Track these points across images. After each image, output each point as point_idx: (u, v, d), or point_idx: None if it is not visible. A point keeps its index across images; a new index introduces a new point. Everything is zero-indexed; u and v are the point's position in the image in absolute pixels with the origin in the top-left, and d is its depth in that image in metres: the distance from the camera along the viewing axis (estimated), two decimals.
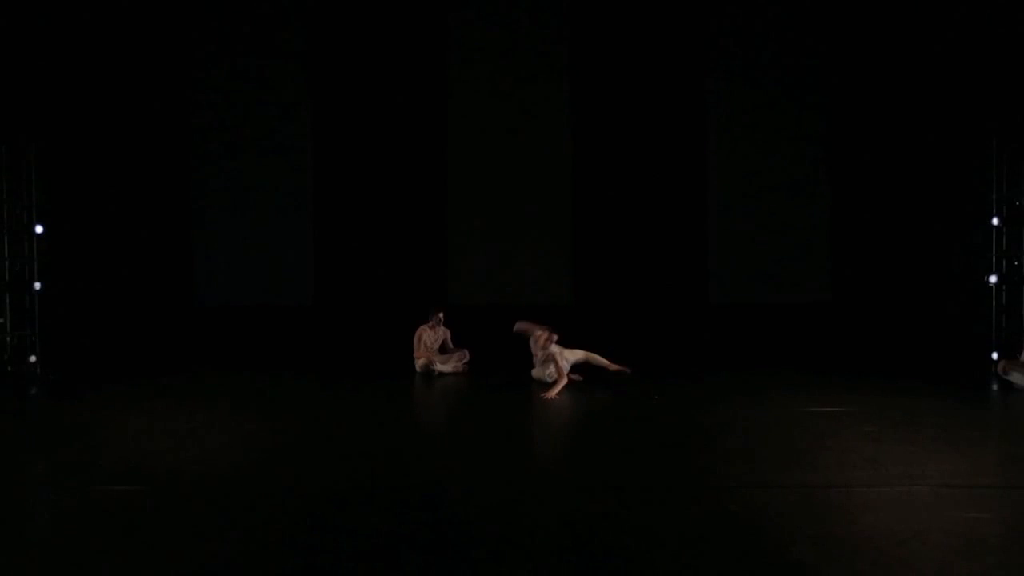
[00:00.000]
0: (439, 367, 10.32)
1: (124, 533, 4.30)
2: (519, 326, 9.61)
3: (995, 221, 10.21)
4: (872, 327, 11.97)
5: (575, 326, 12.33)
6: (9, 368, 9.80)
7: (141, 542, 4.17)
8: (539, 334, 9.43)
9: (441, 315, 10.61)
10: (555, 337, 9.36)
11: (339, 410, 8.20)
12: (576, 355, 9.40)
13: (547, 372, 9.20)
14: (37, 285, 10.09)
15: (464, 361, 10.42)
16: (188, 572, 3.80)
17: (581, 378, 9.41)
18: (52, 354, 10.30)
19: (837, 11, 12.42)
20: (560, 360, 9.02)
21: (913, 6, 11.51)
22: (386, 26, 12.53)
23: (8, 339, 9.86)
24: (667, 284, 12.53)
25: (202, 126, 12.54)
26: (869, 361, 11.00)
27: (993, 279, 10.22)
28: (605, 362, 9.50)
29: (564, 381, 8.85)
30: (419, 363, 10.43)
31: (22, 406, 8.63)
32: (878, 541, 4.07)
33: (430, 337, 10.53)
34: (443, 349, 10.58)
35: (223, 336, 12.19)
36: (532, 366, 9.55)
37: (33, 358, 10.04)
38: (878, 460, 5.66)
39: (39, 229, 10.09)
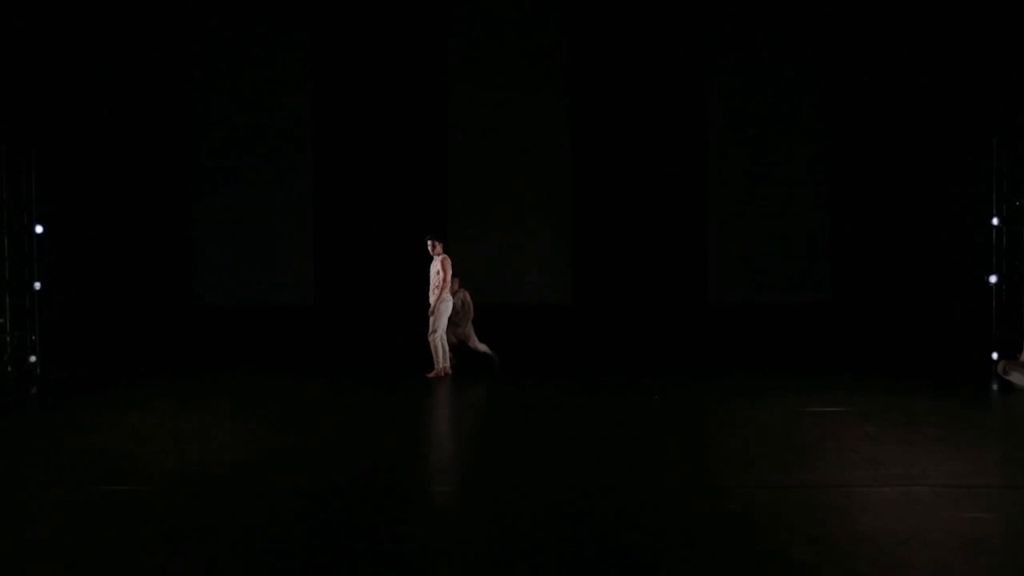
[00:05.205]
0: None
1: (124, 533, 4.30)
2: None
3: (995, 221, 10.21)
4: (872, 327, 11.95)
5: (575, 326, 12.42)
6: (9, 368, 9.80)
7: (141, 542, 4.17)
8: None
9: (437, 245, 9.92)
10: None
11: (340, 410, 8.20)
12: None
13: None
14: (37, 285, 10.08)
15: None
16: (188, 572, 3.80)
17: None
18: (52, 354, 10.29)
19: (837, 11, 12.41)
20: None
21: (913, 7, 11.50)
22: (387, 26, 12.52)
23: (8, 339, 9.85)
24: (667, 284, 12.51)
25: (202, 126, 12.53)
26: (869, 361, 11.00)
27: (993, 279, 10.22)
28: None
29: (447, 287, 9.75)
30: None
31: (22, 406, 8.64)
32: (878, 541, 4.07)
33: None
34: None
35: (224, 336, 12.17)
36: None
37: (33, 358, 10.03)
38: (878, 460, 5.66)
39: (39, 229, 10.08)
